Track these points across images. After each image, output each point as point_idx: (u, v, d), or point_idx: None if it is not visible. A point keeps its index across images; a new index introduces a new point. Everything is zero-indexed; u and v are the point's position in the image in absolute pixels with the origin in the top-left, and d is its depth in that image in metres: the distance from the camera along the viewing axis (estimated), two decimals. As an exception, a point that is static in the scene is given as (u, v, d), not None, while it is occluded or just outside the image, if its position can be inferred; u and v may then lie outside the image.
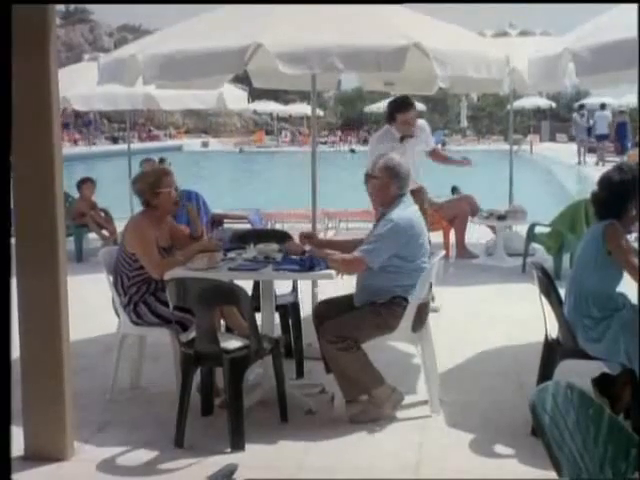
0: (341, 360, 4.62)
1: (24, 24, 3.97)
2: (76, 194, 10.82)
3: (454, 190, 11.12)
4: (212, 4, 6.38)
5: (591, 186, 4.82)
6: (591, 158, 27.26)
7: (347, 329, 4.61)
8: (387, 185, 4.80)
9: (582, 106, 30.88)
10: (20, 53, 3.93)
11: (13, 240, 4.06)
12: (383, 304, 4.66)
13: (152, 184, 5.08)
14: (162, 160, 11.76)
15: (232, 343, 4.50)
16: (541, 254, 9.44)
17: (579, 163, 27.15)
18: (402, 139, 7.23)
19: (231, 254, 5.17)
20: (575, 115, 30.01)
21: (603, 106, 28.81)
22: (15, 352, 4.00)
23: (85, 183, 10.85)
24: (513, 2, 41.57)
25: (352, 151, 38.84)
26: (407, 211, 4.79)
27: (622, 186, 4.39)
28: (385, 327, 4.67)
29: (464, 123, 44.44)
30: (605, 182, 4.51)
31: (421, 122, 7.62)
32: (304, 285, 6.03)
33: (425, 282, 4.69)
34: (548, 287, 4.61)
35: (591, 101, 36.40)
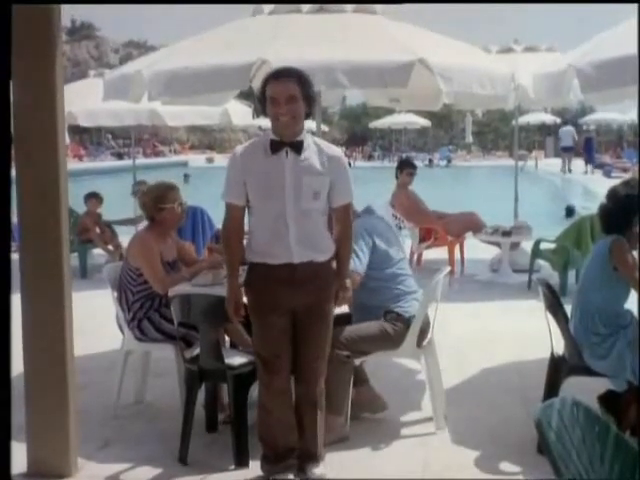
0: (329, 366, 4.23)
1: (26, 25, 3.92)
2: (80, 210, 10.84)
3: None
4: (217, 4, 6.41)
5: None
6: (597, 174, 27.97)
7: (352, 337, 4.54)
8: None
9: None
10: (21, 54, 3.88)
11: (16, 256, 4.06)
12: (386, 322, 4.63)
13: (156, 199, 5.08)
14: (186, 176, 11.79)
15: (237, 359, 4.48)
16: (546, 270, 9.41)
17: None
18: (275, 148, 3.79)
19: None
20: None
21: (566, 123, 33.11)
22: (19, 368, 4.00)
23: (91, 198, 10.88)
24: (513, 2, 41.65)
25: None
26: (371, 218, 4.80)
27: (627, 200, 4.39)
28: (390, 342, 4.64)
29: (469, 139, 44.62)
30: (611, 195, 4.51)
31: (329, 146, 3.99)
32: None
33: (429, 299, 4.67)
34: (554, 303, 4.59)
35: (596, 117, 36.76)
